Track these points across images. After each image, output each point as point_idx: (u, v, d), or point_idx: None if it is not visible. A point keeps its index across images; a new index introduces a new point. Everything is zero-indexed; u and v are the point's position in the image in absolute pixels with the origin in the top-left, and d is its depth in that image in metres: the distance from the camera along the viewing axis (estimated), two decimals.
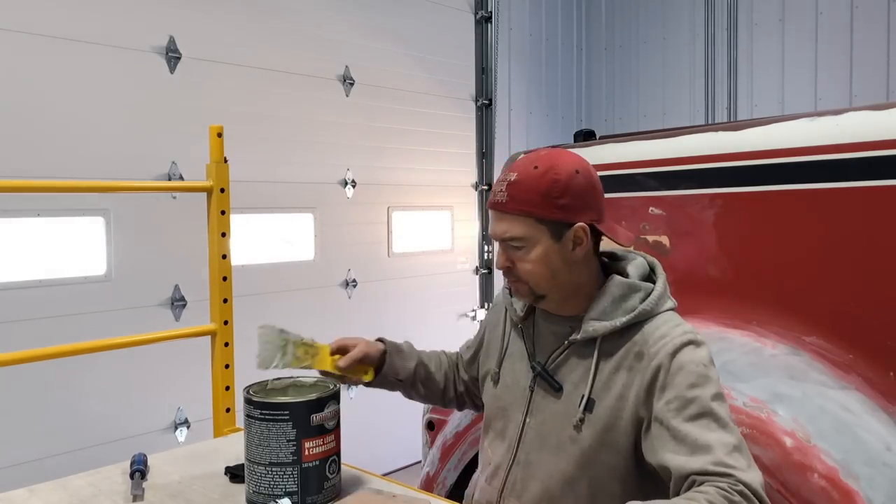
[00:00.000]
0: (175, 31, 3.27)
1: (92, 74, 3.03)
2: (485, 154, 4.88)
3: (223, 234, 1.98)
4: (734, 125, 2.19)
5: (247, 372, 1.86)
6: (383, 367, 1.57)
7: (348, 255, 4.06)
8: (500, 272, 1.42)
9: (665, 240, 2.26)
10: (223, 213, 1.99)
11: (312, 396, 1.37)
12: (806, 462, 1.56)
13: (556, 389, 1.37)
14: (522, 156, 1.44)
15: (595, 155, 2.48)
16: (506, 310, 1.54)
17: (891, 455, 1.65)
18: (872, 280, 1.81)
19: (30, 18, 2.86)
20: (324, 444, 1.36)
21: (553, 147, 1.53)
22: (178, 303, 3.27)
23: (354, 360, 1.50)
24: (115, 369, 3.02)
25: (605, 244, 1.42)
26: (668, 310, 1.36)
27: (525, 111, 5.33)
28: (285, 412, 1.34)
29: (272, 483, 1.34)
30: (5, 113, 2.81)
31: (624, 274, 1.39)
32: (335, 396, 1.40)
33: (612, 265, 1.45)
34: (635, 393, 1.29)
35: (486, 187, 4.85)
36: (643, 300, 1.34)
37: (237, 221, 2.07)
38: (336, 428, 1.40)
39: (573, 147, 2.63)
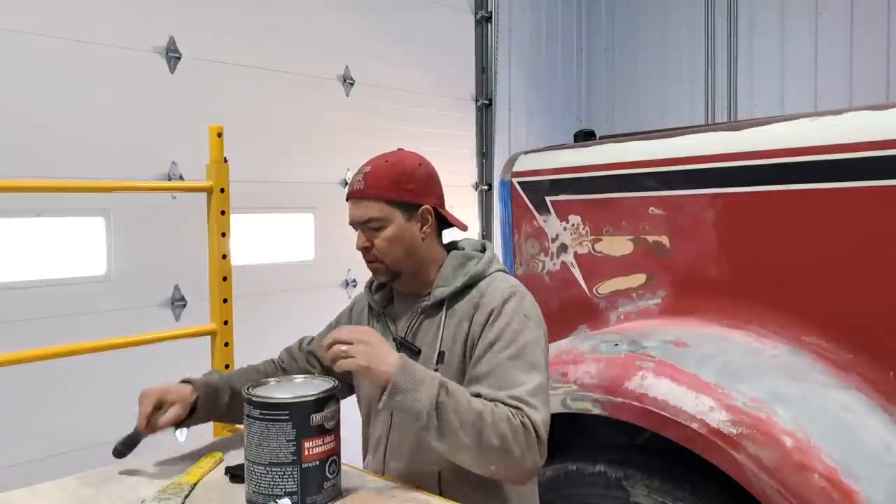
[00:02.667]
0: (175, 31, 3.27)
1: (92, 74, 3.03)
2: (485, 154, 4.87)
3: (223, 234, 1.99)
4: (734, 125, 2.19)
5: None
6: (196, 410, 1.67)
7: (348, 255, 4.02)
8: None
9: (665, 240, 2.26)
10: (223, 213, 1.99)
11: (312, 396, 1.37)
12: (806, 462, 1.56)
13: (416, 353, 1.54)
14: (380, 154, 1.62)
15: (595, 155, 2.49)
16: (367, 305, 1.70)
17: (891, 455, 1.65)
18: (872, 280, 1.81)
19: (30, 18, 2.85)
20: (324, 444, 1.36)
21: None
22: (178, 303, 3.27)
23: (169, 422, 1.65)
24: (114, 369, 3.01)
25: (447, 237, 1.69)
26: (498, 271, 1.58)
27: (525, 111, 5.32)
28: (285, 412, 1.34)
29: (272, 483, 1.34)
30: (5, 113, 2.81)
31: (459, 250, 1.63)
32: (335, 396, 1.40)
33: (451, 248, 1.67)
34: (472, 333, 1.50)
35: (486, 187, 4.85)
36: (476, 265, 1.57)
37: (237, 221, 2.08)
38: (336, 428, 1.40)
39: (573, 147, 2.63)
